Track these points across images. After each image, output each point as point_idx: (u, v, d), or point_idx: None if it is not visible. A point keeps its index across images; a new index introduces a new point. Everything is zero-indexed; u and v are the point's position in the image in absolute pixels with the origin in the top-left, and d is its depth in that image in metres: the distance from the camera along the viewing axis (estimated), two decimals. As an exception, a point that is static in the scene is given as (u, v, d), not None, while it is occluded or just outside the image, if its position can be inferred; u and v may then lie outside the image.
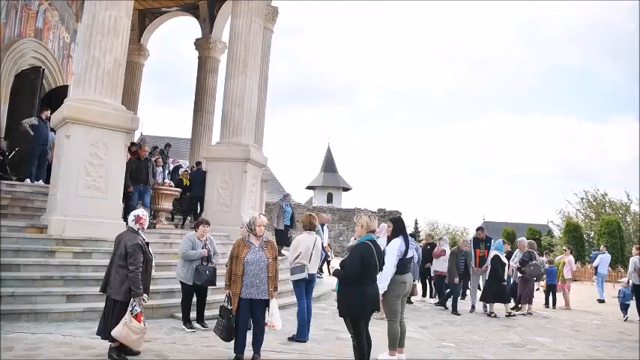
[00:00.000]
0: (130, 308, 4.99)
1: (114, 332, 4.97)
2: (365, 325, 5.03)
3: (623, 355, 7.24)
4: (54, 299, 6.82)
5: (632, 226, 33.41)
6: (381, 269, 5.22)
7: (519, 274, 11.36)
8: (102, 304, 5.39)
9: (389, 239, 6.25)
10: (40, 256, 7.47)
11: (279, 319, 5.47)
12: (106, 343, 5.13)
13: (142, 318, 5.10)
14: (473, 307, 10.61)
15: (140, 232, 5.31)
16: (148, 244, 5.32)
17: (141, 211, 5.51)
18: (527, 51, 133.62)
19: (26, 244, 7.57)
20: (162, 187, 10.76)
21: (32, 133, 10.65)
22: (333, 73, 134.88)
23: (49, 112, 10.30)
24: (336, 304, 5.34)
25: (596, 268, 15.70)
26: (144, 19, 17.73)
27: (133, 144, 11.73)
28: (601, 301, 14.70)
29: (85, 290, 7.09)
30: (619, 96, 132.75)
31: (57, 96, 12.50)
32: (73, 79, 9.16)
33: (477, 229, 11.32)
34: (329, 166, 52.08)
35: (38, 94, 12.77)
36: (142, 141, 11.67)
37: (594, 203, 35.63)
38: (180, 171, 14.28)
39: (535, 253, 11.39)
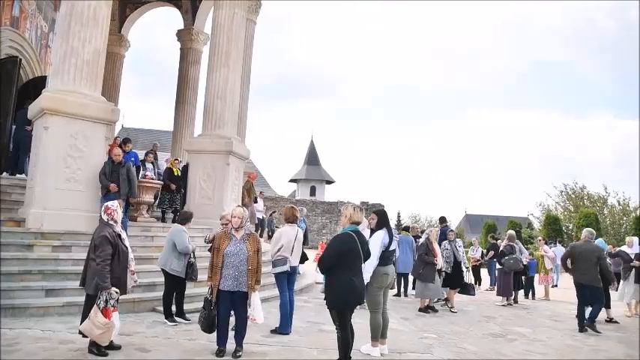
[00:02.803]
0: (97, 302, 4.88)
1: (81, 327, 4.92)
2: (349, 316, 5.06)
3: (600, 344, 7.40)
4: (32, 294, 6.72)
5: (609, 219, 34.17)
6: (366, 260, 5.24)
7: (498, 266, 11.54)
8: (82, 299, 5.32)
9: (372, 231, 6.28)
10: (17, 250, 7.33)
11: (261, 312, 5.45)
12: (87, 338, 5.05)
13: (115, 313, 4.98)
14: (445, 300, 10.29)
15: (113, 223, 5.19)
16: (119, 236, 5.20)
17: (111, 202, 5.40)
18: (512, 47, 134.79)
19: (3, 238, 7.39)
20: (144, 180, 10.61)
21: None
22: (317, 68, 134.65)
23: None
24: (319, 296, 5.36)
25: None
26: (124, 9, 17.41)
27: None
28: (554, 286, 15.83)
29: (64, 284, 6.99)
30: (599, 92, 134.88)
31: (35, 87, 12.23)
32: (52, 70, 9.00)
33: (441, 220, 11.47)
34: (312, 159, 52.07)
35: (15, 84, 12.46)
36: (126, 139, 10.64)
37: (573, 196, 36.32)
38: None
39: (517, 246, 11.51)
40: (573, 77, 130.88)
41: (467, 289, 10.16)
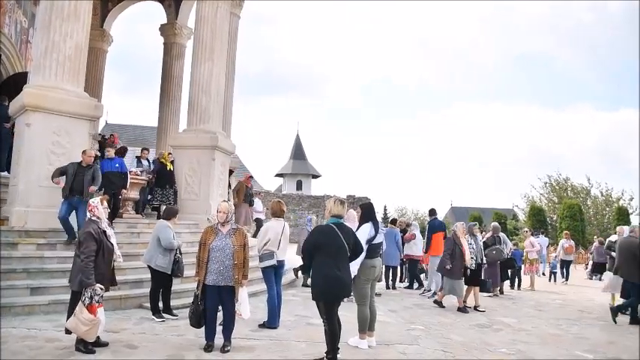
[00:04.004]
0: (82, 298, 4.87)
1: (67, 324, 4.91)
2: (336, 308, 5.10)
3: (584, 332, 7.53)
4: (17, 292, 6.64)
5: (592, 209, 34.69)
6: (352, 253, 5.26)
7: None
8: (68, 296, 5.29)
9: (359, 225, 6.31)
10: (1, 248, 7.21)
11: (248, 307, 5.46)
12: (73, 335, 5.02)
13: (100, 309, 4.97)
14: (434, 293, 10.20)
15: (97, 220, 5.18)
16: (105, 232, 5.19)
17: (92, 199, 5.41)
18: (496, 41, 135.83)
19: (-13, 237, 7.31)
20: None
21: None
22: (303, 64, 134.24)
23: None
24: (306, 290, 5.39)
25: None
26: (106, 3, 17.14)
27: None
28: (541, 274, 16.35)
29: (50, 282, 6.93)
30: (580, 85, 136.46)
31: (16, 83, 12.02)
32: (33, 65, 8.84)
33: (430, 213, 11.56)
34: (298, 153, 51.95)
35: (-5, 81, 12.29)
36: (109, 146, 9.96)
37: (557, 187, 36.78)
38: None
39: (501, 237, 11.61)
40: (554, 71, 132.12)
41: (486, 287, 9.72)
